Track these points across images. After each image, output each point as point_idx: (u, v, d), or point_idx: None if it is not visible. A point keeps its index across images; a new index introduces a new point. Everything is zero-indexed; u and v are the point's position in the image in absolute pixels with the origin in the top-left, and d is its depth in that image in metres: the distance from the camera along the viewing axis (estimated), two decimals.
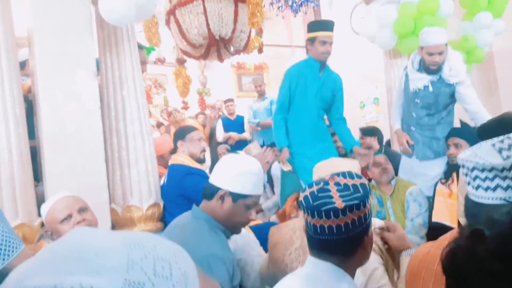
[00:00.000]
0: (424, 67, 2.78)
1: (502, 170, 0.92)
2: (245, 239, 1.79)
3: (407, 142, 2.90)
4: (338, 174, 1.05)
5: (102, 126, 2.29)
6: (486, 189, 0.94)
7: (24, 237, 1.98)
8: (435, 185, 2.74)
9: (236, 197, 1.44)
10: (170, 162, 2.60)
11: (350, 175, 1.05)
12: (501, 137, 0.96)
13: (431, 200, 2.74)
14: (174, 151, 2.62)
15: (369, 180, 2.97)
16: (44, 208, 1.59)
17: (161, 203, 2.46)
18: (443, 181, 2.69)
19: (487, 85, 5.49)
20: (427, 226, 2.69)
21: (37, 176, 2.29)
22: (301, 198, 1.02)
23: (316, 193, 1.00)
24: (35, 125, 2.29)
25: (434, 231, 2.56)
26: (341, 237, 0.98)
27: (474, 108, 2.73)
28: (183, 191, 2.34)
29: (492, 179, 0.93)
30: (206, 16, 3.17)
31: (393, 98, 3.40)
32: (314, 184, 1.04)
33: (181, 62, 3.80)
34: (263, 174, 1.53)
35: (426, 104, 2.83)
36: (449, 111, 2.83)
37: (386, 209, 2.83)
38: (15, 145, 2.01)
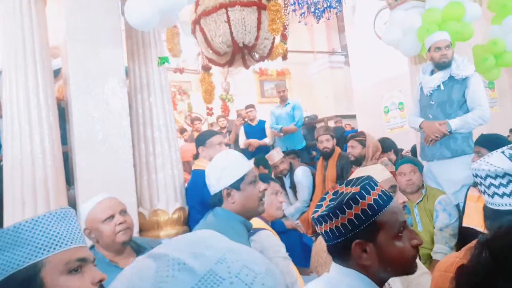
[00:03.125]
0: (436, 66, 2.89)
1: None
2: (270, 240, 1.81)
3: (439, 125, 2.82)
4: (342, 182, 1.04)
5: (130, 132, 2.36)
6: (502, 195, 0.95)
7: None
8: (467, 191, 2.68)
9: (236, 184, 1.53)
10: (193, 168, 2.65)
11: (352, 182, 1.01)
12: (511, 145, 0.97)
13: (461, 207, 2.67)
14: (197, 156, 2.67)
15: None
16: (86, 207, 1.66)
17: (186, 208, 2.50)
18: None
19: None
20: (456, 237, 2.62)
21: (69, 180, 2.38)
22: (316, 215, 1.03)
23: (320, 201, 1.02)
24: (67, 131, 2.39)
25: (466, 237, 2.50)
26: (331, 242, 0.98)
27: (471, 104, 2.77)
28: (203, 198, 2.38)
29: (506, 185, 0.94)
30: (229, 25, 3.23)
31: None
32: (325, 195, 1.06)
33: (206, 69, 3.88)
34: (238, 152, 1.63)
35: (440, 103, 2.86)
36: (465, 111, 2.81)
37: (413, 217, 2.78)
38: (49, 150, 2.10)
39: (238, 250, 0.48)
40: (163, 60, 2.38)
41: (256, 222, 1.80)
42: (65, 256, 0.90)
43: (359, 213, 0.94)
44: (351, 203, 0.94)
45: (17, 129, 2.06)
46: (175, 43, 3.67)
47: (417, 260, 1.43)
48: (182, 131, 6.76)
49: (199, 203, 2.42)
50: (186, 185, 2.63)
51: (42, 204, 2.04)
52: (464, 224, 2.60)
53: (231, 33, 3.21)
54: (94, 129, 2.25)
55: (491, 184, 0.98)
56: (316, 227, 1.02)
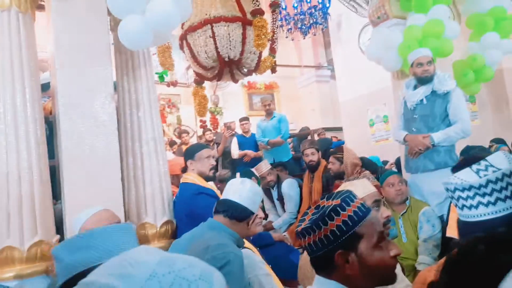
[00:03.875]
0: (419, 81, 3.01)
1: (479, 187, 1.00)
2: (251, 259, 1.82)
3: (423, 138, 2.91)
4: (324, 197, 1.09)
5: (118, 146, 2.38)
6: (470, 207, 1.01)
7: (42, 253, 2.04)
8: (450, 202, 2.75)
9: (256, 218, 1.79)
10: (181, 181, 2.66)
11: (332, 196, 1.07)
12: (481, 162, 1.05)
13: (445, 218, 2.74)
14: (185, 170, 2.69)
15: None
16: (81, 218, 1.74)
17: (174, 221, 2.51)
18: None
19: (496, 103, 5.49)
20: (440, 248, 2.68)
21: (56, 194, 2.37)
22: (300, 229, 1.07)
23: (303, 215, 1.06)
24: (55, 145, 2.39)
25: (450, 247, 2.55)
26: (315, 255, 1.02)
27: (453, 118, 2.88)
28: (191, 210, 2.39)
29: (473, 197, 0.99)
30: (214, 40, 3.30)
31: None
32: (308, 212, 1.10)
33: (198, 82, 3.93)
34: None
35: (423, 117, 2.96)
36: (447, 124, 2.92)
37: (398, 228, 2.84)
38: (36, 165, 2.10)
39: (169, 261, 0.48)
40: (162, 74, 2.43)
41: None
42: None
43: (341, 224, 0.98)
44: (333, 214, 0.99)
45: (3, 144, 2.06)
46: (166, 56, 3.72)
47: (399, 272, 1.49)
48: (171, 143, 6.76)
49: (186, 215, 2.43)
50: (174, 198, 2.64)
51: (28, 217, 2.02)
52: (448, 235, 2.66)
53: (216, 48, 3.28)
54: (82, 143, 2.26)
55: (460, 196, 1.04)
56: (300, 240, 1.06)
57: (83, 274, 0.97)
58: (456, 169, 2.58)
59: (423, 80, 2.97)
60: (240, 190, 1.77)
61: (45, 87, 2.60)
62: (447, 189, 1.08)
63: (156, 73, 6.10)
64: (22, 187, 2.04)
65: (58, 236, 2.19)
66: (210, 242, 1.59)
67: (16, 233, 1.99)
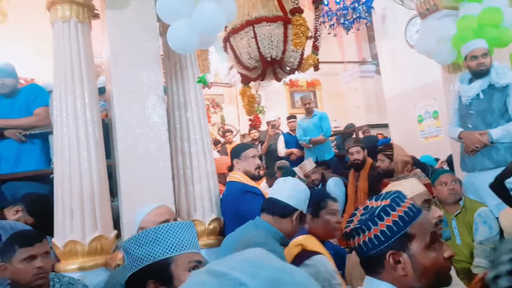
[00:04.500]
0: (474, 74, 2.85)
1: None
2: (325, 267, 1.79)
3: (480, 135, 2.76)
4: (372, 198, 1.08)
5: (169, 146, 2.48)
6: None
7: (102, 247, 2.19)
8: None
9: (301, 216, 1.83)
10: (227, 179, 2.73)
11: (382, 197, 1.05)
12: None
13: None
14: (231, 168, 2.75)
15: (433, 197, 2.87)
16: (143, 211, 1.93)
17: (222, 218, 2.58)
18: None
19: None
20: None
21: (113, 192, 2.52)
22: (348, 230, 1.06)
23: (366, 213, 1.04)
24: (111, 146, 2.54)
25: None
26: (365, 255, 1.01)
27: None
28: (238, 208, 2.44)
29: None
30: (256, 40, 3.33)
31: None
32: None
33: (245, 82, 3.98)
34: None
35: (480, 112, 2.80)
36: (507, 120, 2.74)
37: (451, 230, 2.71)
38: (95, 165, 2.25)
39: (291, 271, 0.50)
40: (201, 80, 2.51)
41: (312, 243, 1.87)
42: (188, 257, 1.12)
43: (391, 224, 0.98)
44: (383, 215, 0.99)
45: (66, 145, 2.22)
46: (202, 59, 3.81)
47: (454, 275, 1.44)
48: (216, 142, 6.92)
49: (233, 213, 2.49)
50: (221, 196, 2.71)
51: (88, 214, 2.18)
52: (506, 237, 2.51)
53: (258, 48, 3.30)
54: (136, 144, 2.38)
55: None
56: (348, 241, 1.06)
57: (151, 266, 1.08)
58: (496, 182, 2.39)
59: (478, 73, 2.82)
60: (283, 188, 1.84)
61: (100, 91, 2.78)
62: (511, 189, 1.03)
63: (199, 78, 6.25)
64: (83, 186, 2.20)
65: (115, 232, 2.34)
66: (251, 240, 1.67)
67: (78, 228, 2.15)
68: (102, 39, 2.59)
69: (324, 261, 1.79)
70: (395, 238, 0.97)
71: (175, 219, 1.97)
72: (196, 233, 1.20)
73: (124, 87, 2.42)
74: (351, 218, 1.07)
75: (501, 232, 2.54)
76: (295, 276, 0.50)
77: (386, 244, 0.98)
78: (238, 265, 0.51)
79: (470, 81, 2.90)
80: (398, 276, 0.97)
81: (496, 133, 2.71)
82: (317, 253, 1.80)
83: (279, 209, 1.80)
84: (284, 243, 1.78)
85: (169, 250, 1.10)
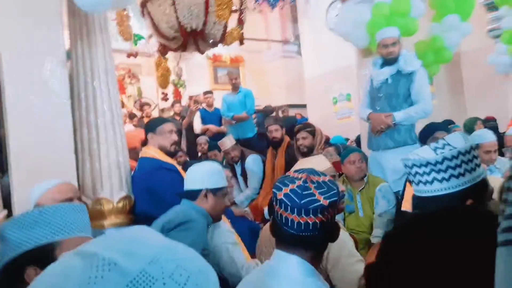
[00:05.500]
0: (385, 61, 3.04)
1: (435, 164, 1.06)
2: (220, 228, 1.96)
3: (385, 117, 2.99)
4: (309, 172, 1.09)
5: (72, 117, 2.24)
6: (425, 183, 1.06)
7: None
8: (406, 178, 2.86)
9: (214, 191, 1.85)
10: (140, 155, 2.57)
11: (317, 172, 1.09)
12: (439, 140, 1.10)
13: (400, 193, 2.85)
14: (145, 143, 2.60)
15: (340, 174, 3.06)
16: (41, 187, 1.75)
17: (132, 196, 2.44)
18: None
19: (453, 85, 5.72)
20: (394, 222, 2.80)
21: (3, 166, 2.22)
22: (280, 196, 1.04)
23: (299, 191, 1.02)
24: (1, 115, 2.21)
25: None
26: (322, 232, 1.02)
27: (415, 98, 2.96)
28: (151, 185, 2.34)
29: (428, 173, 1.05)
30: (175, 9, 3.13)
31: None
32: (287, 181, 1.07)
33: (162, 52, 3.74)
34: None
35: (387, 95, 3.03)
36: (410, 104, 3.00)
37: (355, 204, 2.93)
38: None
39: (173, 248, 0.47)
40: (138, 37, 2.30)
41: None
42: (76, 242, 0.97)
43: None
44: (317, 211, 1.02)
45: None
46: (125, 26, 3.51)
47: (354, 247, 1.53)
48: (131, 116, 6.54)
49: (146, 191, 2.37)
50: (132, 172, 2.55)
51: None
52: (403, 209, 2.79)
53: (177, 17, 3.12)
54: (31, 113, 2.10)
55: (416, 172, 1.10)
56: (312, 216, 1.02)
57: (32, 251, 0.96)
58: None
59: (387, 61, 3.02)
60: (186, 177, 1.95)
61: None
62: (406, 165, 1.12)
63: (135, 35, 5.74)
64: None
65: (5, 212, 2.06)
66: (176, 209, 1.84)
67: None
68: None
69: (219, 223, 1.95)
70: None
71: (79, 198, 1.82)
72: (87, 216, 1.10)
73: (16, 45, 2.09)
74: (309, 191, 1.03)
75: (398, 205, 2.81)
76: (177, 253, 0.47)
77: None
78: (113, 244, 0.46)
79: (382, 66, 3.10)
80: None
81: (399, 116, 2.95)
82: None
83: (187, 194, 1.89)
84: (209, 220, 1.83)
85: (53, 234, 0.98)
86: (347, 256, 1.50)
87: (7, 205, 2.10)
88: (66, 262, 0.45)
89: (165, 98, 7.07)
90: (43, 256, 0.96)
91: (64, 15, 2.35)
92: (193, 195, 1.85)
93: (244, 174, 4.20)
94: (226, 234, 1.94)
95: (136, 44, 6.12)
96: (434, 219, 0.62)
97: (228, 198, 1.95)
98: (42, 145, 2.11)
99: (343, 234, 1.58)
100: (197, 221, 1.72)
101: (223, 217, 2.02)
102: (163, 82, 3.80)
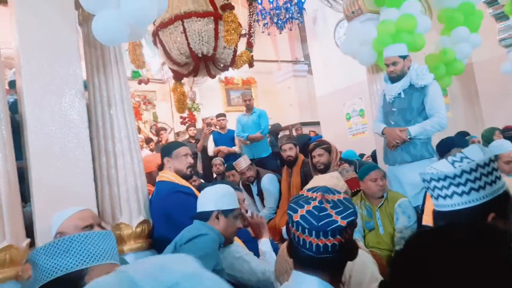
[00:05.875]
0: (390, 79, 3.07)
1: (454, 177, 1.03)
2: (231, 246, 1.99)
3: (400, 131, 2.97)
4: (324, 191, 1.08)
5: (90, 145, 2.30)
6: (445, 197, 1.03)
7: (11, 259, 1.96)
8: (425, 192, 2.81)
9: (226, 213, 1.87)
10: (157, 179, 2.61)
11: (331, 190, 1.08)
12: (457, 154, 1.08)
13: (420, 208, 2.79)
14: (161, 168, 2.63)
15: (358, 191, 3.01)
16: (62, 215, 1.76)
17: (151, 220, 2.46)
18: None
19: (468, 96, 5.66)
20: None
21: (25, 197, 2.28)
22: (296, 218, 1.02)
23: (315, 212, 1.01)
24: (22, 146, 2.29)
25: None
26: (341, 253, 1.00)
27: (429, 111, 2.93)
28: (168, 209, 2.35)
29: (447, 187, 1.02)
30: (186, 36, 3.23)
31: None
32: (302, 201, 1.05)
33: (177, 78, 3.84)
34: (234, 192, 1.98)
35: (401, 110, 3.01)
36: (424, 117, 2.98)
37: (375, 220, 2.87)
38: (2, 167, 2.00)
39: (196, 276, 0.49)
40: (136, 74, 2.39)
41: None
42: (106, 268, 1.03)
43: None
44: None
45: None
46: (137, 54, 3.62)
47: (377, 271, 1.50)
48: (148, 141, 6.65)
49: (163, 214, 2.39)
50: (150, 197, 2.58)
51: None
52: (424, 223, 2.72)
53: (188, 44, 3.22)
54: (51, 143, 2.17)
55: (435, 186, 1.07)
56: (331, 238, 1.00)
57: (63, 278, 1.00)
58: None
59: (391, 79, 3.04)
60: (199, 200, 1.97)
61: (14, 84, 2.49)
62: (424, 180, 1.10)
63: (133, 71, 5.95)
64: None
65: (28, 240, 2.11)
66: (188, 227, 1.87)
67: None
68: (11, 26, 2.32)
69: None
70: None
71: (99, 224, 1.83)
72: (115, 243, 1.13)
73: (36, 80, 2.18)
74: (326, 212, 1.03)
75: (418, 220, 2.75)
76: (200, 282, 0.49)
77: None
78: (144, 267, 0.51)
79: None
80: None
81: (414, 130, 2.92)
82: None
83: (199, 215, 1.91)
84: (221, 239, 1.83)
85: (84, 261, 1.02)
86: (369, 281, 1.47)
87: (30, 233, 2.15)
88: (105, 277, 0.51)
89: (184, 122, 7.18)
90: (74, 282, 0.99)
91: (80, 47, 2.45)
92: (204, 216, 1.87)
93: (260, 194, 4.19)
94: (238, 249, 1.97)
95: (137, 76, 6.31)
96: (441, 235, 0.61)
97: (239, 221, 1.95)
98: (62, 173, 2.17)
99: (365, 257, 1.55)
100: (210, 235, 1.74)
101: (236, 237, 2.04)
102: (180, 107, 3.87)
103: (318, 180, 1.71)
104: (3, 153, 2.02)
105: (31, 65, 2.19)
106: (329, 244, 0.99)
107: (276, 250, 2.62)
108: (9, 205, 1.99)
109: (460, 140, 3.22)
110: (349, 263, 1.08)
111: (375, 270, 1.53)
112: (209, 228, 1.81)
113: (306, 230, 1.00)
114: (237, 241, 2.08)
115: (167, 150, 2.62)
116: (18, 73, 2.28)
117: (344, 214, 1.01)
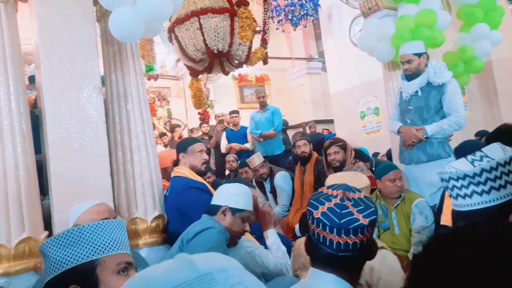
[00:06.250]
0: (405, 77, 3.01)
1: (474, 176, 1.01)
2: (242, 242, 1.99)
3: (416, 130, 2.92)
4: (344, 188, 1.07)
5: (107, 140, 2.33)
6: (464, 196, 1.01)
7: (30, 250, 2.00)
8: (444, 191, 2.76)
9: (234, 211, 1.85)
10: (172, 175, 2.63)
11: (351, 188, 1.07)
12: (476, 152, 1.05)
13: (436, 207, 2.74)
14: (177, 163, 2.65)
15: (373, 189, 2.98)
16: (80, 208, 1.79)
17: (165, 215, 2.48)
18: None
19: (487, 95, 5.54)
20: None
21: (44, 190, 2.32)
22: (317, 215, 1.01)
23: (337, 209, 1.00)
24: (41, 140, 2.34)
25: None
26: (361, 252, 1.00)
27: (447, 110, 2.86)
28: (182, 205, 2.37)
29: (467, 187, 1.00)
30: (202, 32, 3.24)
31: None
32: (322, 198, 1.05)
33: (194, 75, 3.85)
34: (251, 195, 1.96)
35: (418, 108, 2.95)
36: (442, 116, 2.92)
37: (390, 220, 2.83)
38: (22, 160, 2.05)
39: (241, 269, 0.51)
40: (149, 68, 2.41)
41: None
42: (117, 259, 1.03)
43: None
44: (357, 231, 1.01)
45: None
46: (147, 49, 3.65)
47: (397, 264, 1.48)
48: (161, 135, 6.71)
49: (177, 210, 2.40)
50: (165, 192, 2.61)
51: (14, 214, 1.98)
52: (442, 223, 2.67)
53: (204, 40, 3.22)
54: (69, 137, 2.20)
55: (454, 186, 1.04)
56: (352, 236, 1.00)
57: (74, 269, 0.98)
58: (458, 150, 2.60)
59: (407, 77, 2.98)
60: (215, 194, 2.00)
61: (33, 79, 2.54)
62: (442, 179, 1.07)
63: (146, 66, 5.99)
64: (8, 183, 1.99)
65: (46, 232, 2.15)
66: (195, 222, 1.89)
67: (3, 230, 1.95)
68: (31, 21, 2.36)
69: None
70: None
71: (115, 218, 1.86)
72: (126, 232, 1.11)
73: (55, 76, 2.22)
74: (348, 210, 1.02)
75: (436, 221, 2.70)
76: (244, 275, 0.51)
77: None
78: (200, 253, 0.53)
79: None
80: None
81: (431, 129, 2.86)
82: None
83: (208, 209, 1.92)
84: (226, 235, 1.83)
85: (96, 252, 1.00)
86: (400, 284, 1.45)
87: (48, 226, 2.20)
88: (172, 259, 0.52)
89: (202, 118, 7.21)
90: (85, 274, 0.98)
91: (98, 43, 2.48)
92: (213, 210, 1.88)
93: (273, 191, 4.19)
94: (248, 244, 1.97)
95: (150, 70, 6.35)
96: (461, 236, 0.60)
97: (248, 225, 1.92)
98: (80, 167, 2.20)
99: (392, 258, 1.54)
100: (215, 228, 1.75)
101: (250, 235, 2.04)
102: (197, 103, 3.88)
103: (340, 179, 1.70)
104: (22, 147, 2.06)
105: (51, 60, 2.22)
106: (350, 242, 0.98)
107: (288, 246, 2.62)
108: (28, 197, 2.04)
109: (480, 143, 3.14)
110: (376, 266, 1.07)
111: (402, 270, 1.52)
112: (213, 221, 1.82)
113: (327, 228, 0.99)
114: (249, 237, 2.08)
115: (182, 146, 2.64)
116: (37, 68, 2.32)
117: (366, 212, 1.00)
